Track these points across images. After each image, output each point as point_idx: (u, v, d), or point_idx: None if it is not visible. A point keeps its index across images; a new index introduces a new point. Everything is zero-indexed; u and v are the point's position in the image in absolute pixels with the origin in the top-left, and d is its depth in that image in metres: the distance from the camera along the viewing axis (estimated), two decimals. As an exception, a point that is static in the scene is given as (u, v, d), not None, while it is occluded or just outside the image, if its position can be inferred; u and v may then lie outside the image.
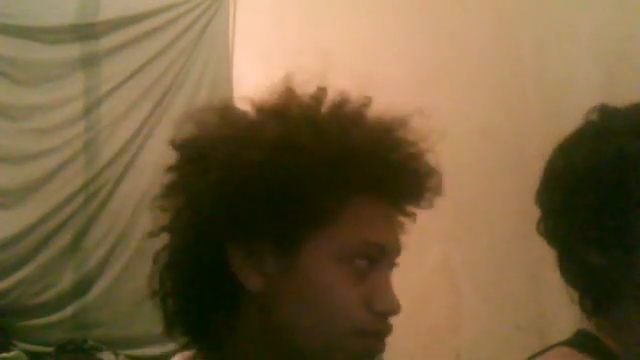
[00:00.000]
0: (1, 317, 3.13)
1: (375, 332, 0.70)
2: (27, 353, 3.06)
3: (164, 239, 0.74)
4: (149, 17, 3.25)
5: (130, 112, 3.22)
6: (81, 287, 3.23)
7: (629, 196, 0.80)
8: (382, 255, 0.70)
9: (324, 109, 0.71)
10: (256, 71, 2.97)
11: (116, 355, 3.09)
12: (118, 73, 3.23)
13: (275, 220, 0.67)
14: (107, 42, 3.26)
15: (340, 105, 0.72)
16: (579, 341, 0.87)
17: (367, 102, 0.73)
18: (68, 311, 3.21)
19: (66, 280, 3.23)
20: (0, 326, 3.11)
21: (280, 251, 0.68)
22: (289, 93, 0.72)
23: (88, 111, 3.25)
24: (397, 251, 0.73)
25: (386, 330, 0.71)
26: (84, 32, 3.25)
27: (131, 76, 3.22)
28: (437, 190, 0.73)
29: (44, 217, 3.20)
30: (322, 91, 0.72)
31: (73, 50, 3.26)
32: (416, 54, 2.83)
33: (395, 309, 0.70)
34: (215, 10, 3.24)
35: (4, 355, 2.96)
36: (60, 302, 3.21)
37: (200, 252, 0.70)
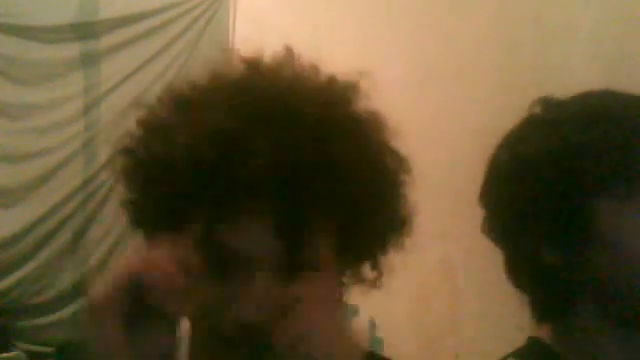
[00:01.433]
0: (1, 317, 3.13)
1: (229, 339, 0.61)
2: (27, 353, 3.06)
3: None
4: (149, 16, 3.26)
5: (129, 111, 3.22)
6: (81, 287, 3.23)
7: (580, 187, 0.75)
8: (240, 256, 0.61)
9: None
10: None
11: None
12: (117, 72, 3.24)
13: (154, 218, 0.65)
14: (107, 41, 3.26)
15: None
16: (527, 351, 0.82)
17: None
18: (68, 311, 3.21)
19: (66, 280, 3.23)
20: (0, 326, 3.11)
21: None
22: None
23: (87, 110, 3.26)
24: (264, 250, 0.61)
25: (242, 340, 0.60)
26: (84, 31, 3.25)
27: (130, 75, 3.23)
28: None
29: (43, 216, 3.20)
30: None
31: (73, 49, 3.26)
32: (415, 54, 2.83)
33: (247, 317, 0.60)
34: (215, 10, 3.24)
35: (4, 355, 2.96)
36: (60, 302, 3.21)
37: None
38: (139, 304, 0.55)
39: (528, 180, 0.78)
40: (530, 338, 0.84)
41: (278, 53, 0.69)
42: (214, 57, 0.71)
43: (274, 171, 0.59)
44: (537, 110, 0.84)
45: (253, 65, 0.67)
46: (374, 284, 0.72)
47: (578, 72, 2.55)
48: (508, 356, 0.83)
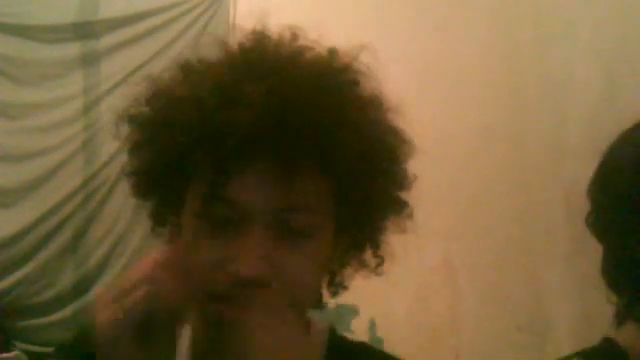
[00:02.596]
0: (1, 317, 3.13)
1: (228, 296, 0.62)
2: (27, 353, 3.05)
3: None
4: (149, 16, 3.25)
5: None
6: (81, 287, 3.23)
7: None
8: (239, 212, 0.63)
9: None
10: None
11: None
12: (117, 72, 3.23)
13: (159, 184, 0.69)
14: (107, 41, 3.25)
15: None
16: (597, 352, 0.81)
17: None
18: (68, 311, 3.21)
19: (66, 280, 3.23)
20: (0, 326, 3.11)
21: (175, 210, 0.69)
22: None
23: (87, 110, 3.25)
24: (262, 208, 0.63)
25: (239, 297, 0.62)
26: (84, 31, 3.25)
27: (131, 75, 3.22)
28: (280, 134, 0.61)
29: (43, 216, 3.20)
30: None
31: (73, 49, 3.26)
32: (416, 54, 2.83)
33: (242, 272, 0.61)
34: (215, 10, 3.24)
35: (4, 355, 2.96)
36: (60, 302, 3.21)
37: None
38: (149, 319, 0.59)
39: None
40: (605, 339, 0.81)
41: (283, 29, 0.72)
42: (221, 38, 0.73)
43: (267, 119, 0.60)
44: None
45: (257, 35, 0.70)
46: (376, 270, 0.73)
47: (578, 72, 2.55)
48: (572, 355, 0.81)
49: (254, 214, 0.62)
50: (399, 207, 0.71)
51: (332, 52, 0.70)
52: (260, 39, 0.70)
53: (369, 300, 2.58)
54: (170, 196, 0.69)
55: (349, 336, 0.80)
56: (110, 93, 3.23)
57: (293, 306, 0.63)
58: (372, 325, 2.68)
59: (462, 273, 2.65)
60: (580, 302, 2.27)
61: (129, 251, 3.17)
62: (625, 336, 0.79)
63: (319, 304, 0.72)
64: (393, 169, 0.69)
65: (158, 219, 0.73)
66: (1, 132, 3.23)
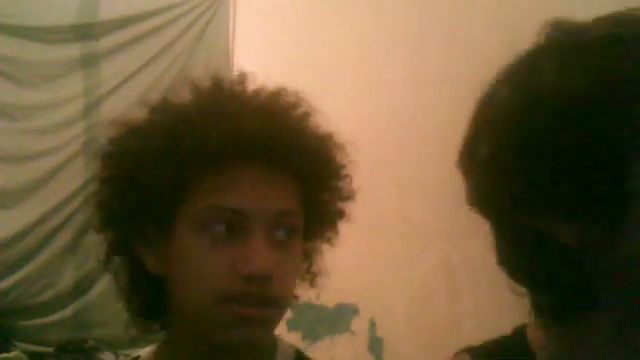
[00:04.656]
0: (1, 317, 3.13)
1: (244, 297, 0.68)
2: (27, 353, 3.06)
3: None
4: (149, 17, 3.26)
5: (130, 112, 3.22)
6: (81, 287, 3.23)
7: (616, 135, 0.52)
8: (242, 218, 0.69)
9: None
10: (256, 72, 2.96)
11: (116, 355, 3.10)
12: (118, 73, 3.24)
13: (146, 203, 0.71)
14: (107, 42, 3.26)
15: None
16: (494, 347, 0.67)
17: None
18: (68, 311, 3.21)
19: (66, 280, 3.24)
20: (0, 326, 3.11)
21: (160, 230, 0.72)
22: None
23: (88, 111, 3.26)
24: (261, 213, 0.70)
25: (258, 294, 0.69)
26: (84, 32, 3.26)
27: (131, 76, 3.23)
28: (281, 147, 0.70)
29: (44, 217, 3.20)
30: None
31: (73, 50, 3.27)
32: (416, 55, 2.84)
33: (255, 269, 0.68)
34: (215, 10, 3.24)
35: (4, 355, 2.96)
36: (60, 302, 3.22)
37: (116, 246, 0.77)
38: None
39: (541, 127, 0.54)
40: (517, 329, 0.68)
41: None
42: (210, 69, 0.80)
43: (260, 134, 0.68)
44: (553, 34, 0.62)
45: (218, 79, 0.77)
46: (312, 284, 0.82)
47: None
48: (465, 349, 0.71)
49: (258, 218, 0.69)
50: (341, 217, 0.80)
51: (280, 90, 0.77)
52: (220, 83, 0.77)
53: (369, 300, 2.58)
54: (154, 221, 0.73)
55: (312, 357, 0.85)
56: (110, 94, 3.24)
57: (282, 302, 0.71)
58: (372, 325, 2.69)
59: (462, 273, 2.65)
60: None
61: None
62: (534, 328, 0.64)
63: None
64: (342, 180, 0.78)
65: (120, 249, 0.77)
66: (1, 133, 3.24)
